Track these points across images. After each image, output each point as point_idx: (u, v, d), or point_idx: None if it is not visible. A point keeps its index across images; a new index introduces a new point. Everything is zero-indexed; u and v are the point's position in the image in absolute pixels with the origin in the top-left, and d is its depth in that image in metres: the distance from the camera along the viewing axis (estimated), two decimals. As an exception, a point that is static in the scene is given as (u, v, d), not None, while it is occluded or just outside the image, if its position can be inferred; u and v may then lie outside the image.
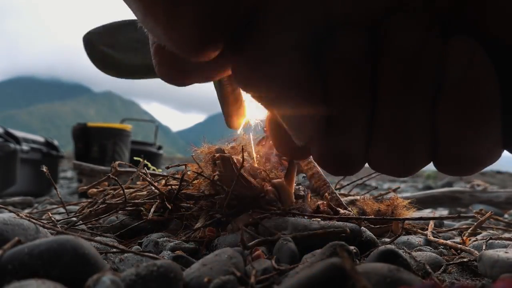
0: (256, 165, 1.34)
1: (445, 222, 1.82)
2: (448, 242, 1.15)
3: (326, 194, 1.42)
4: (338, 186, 1.85)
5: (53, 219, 1.24)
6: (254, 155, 1.38)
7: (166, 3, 0.32)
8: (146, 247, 1.17)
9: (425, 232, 1.36)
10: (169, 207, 1.29)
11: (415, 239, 1.30)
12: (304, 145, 0.46)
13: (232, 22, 0.35)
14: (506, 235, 1.49)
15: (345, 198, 1.64)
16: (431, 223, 1.33)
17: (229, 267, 0.91)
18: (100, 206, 1.38)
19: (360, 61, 0.38)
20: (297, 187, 1.43)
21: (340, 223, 1.19)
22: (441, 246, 1.21)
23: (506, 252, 0.89)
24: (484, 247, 1.12)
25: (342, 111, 0.40)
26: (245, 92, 0.50)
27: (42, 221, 1.21)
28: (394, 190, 1.92)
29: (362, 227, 1.20)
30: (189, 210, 1.30)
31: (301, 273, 0.79)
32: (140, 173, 1.43)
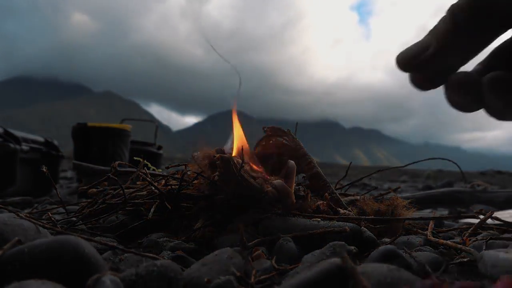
0: (255, 166, 1.34)
1: (445, 222, 1.82)
2: (448, 242, 1.15)
3: (326, 194, 1.42)
4: (338, 186, 1.85)
5: (53, 219, 1.24)
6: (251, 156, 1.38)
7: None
8: (146, 247, 1.16)
9: (425, 232, 1.36)
10: (169, 207, 1.29)
11: (415, 239, 1.30)
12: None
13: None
14: (506, 235, 1.49)
15: (345, 198, 1.64)
16: (431, 223, 1.33)
17: (229, 267, 0.91)
18: (100, 206, 1.38)
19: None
20: (297, 187, 1.43)
21: (340, 223, 1.19)
22: (441, 246, 1.21)
23: (506, 252, 0.89)
24: (484, 247, 1.12)
25: None
26: None
27: (42, 221, 1.21)
28: (394, 190, 1.92)
29: (362, 227, 1.20)
30: (189, 210, 1.30)
31: (301, 273, 0.79)
32: (140, 173, 1.43)
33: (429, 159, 2.09)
